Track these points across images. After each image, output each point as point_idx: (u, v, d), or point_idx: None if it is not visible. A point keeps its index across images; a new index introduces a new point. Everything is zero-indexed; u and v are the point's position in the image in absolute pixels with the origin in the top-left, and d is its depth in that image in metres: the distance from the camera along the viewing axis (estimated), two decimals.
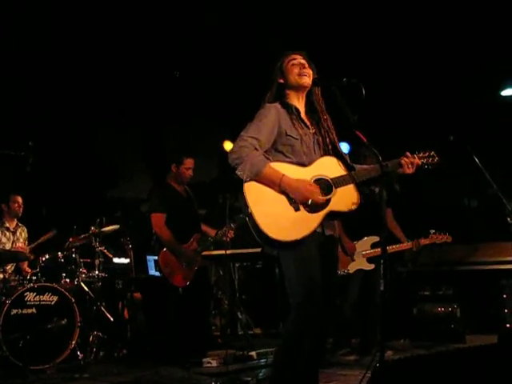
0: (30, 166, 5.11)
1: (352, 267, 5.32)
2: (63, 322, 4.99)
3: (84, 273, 5.59)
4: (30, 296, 4.93)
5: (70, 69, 6.76)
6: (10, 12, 5.90)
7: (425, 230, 5.51)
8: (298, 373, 2.92)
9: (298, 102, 3.14)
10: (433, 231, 5.45)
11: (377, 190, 5.04)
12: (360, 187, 3.04)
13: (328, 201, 2.92)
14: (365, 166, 3.11)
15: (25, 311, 4.88)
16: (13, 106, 6.71)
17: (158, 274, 5.25)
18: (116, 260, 6.33)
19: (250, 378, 4.33)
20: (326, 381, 4.23)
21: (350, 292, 5.40)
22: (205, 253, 5.34)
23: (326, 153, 3.09)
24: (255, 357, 5.15)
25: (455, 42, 6.68)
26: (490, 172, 4.37)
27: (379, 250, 4.93)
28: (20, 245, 5.79)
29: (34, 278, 5.21)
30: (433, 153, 3.14)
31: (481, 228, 7.34)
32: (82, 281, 5.51)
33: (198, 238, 5.27)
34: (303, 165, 2.99)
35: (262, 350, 5.18)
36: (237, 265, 7.40)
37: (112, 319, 5.58)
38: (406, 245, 5.41)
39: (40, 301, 4.97)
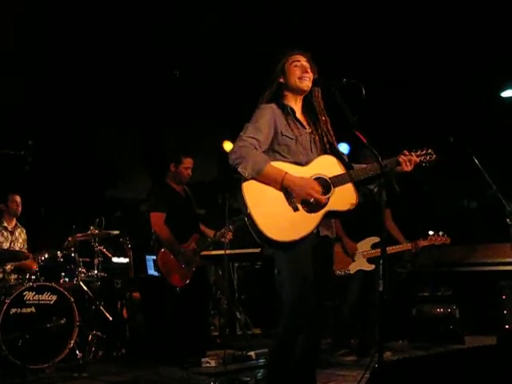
0: (29, 166, 5.09)
1: (353, 267, 5.32)
2: (62, 322, 4.99)
3: (83, 272, 5.58)
4: (29, 295, 4.92)
5: (69, 68, 6.76)
6: (10, 12, 5.90)
7: (424, 231, 5.52)
8: (293, 372, 2.94)
9: (295, 103, 3.15)
10: (431, 233, 5.45)
11: (375, 189, 5.03)
12: (359, 187, 3.05)
13: (327, 200, 2.93)
14: (363, 166, 3.12)
15: (24, 310, 4.87)
16: (12, 105, 6.71)
17: (156, 273, 5.25)
18: (115, 259, 6.33)
19: (248, 378, 4.34)
20: (324, 381, 4.23)
21: (349, 292, 5.40)
22: (204, 253, 5.34)
23: (323, 152, 3.10)
24: (254, 357, 5.15)
25: (455, 42, 6.68)
26: (490, 173, 4.38)
27: (379, 250, 4.94)
28: (19, 245, 5.80)
29: (33, 277, 5.20)
30: (430, 150, 3.15)
31: (480, 229, 7.35)
32: (81, 280, 5.50)
33: (197, 239, 5.27)
34: (300, 164, 2.99)
35: (260, 350, 5.17)
36: (236, 265, 7.41)
37: (111, 319, 5.57)
38: (405, 246, 5.41)
39: (39, 300, 4.96)
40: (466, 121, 7.22)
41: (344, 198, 2.98)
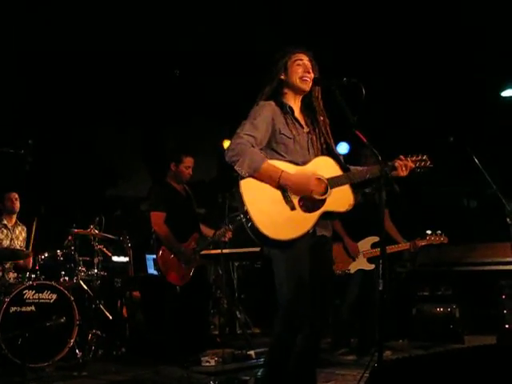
0: (29, 165, 5.09)
1: (353, 267, 5.33)
2: (62, 320, 4.99)
3: (83, 271, 5.58)
4: (28, 294, 4.93)
5: (70, 68, 6.76)
6: (10, 12, 5.90)
7: (424, 231, 5.51)
8: (293, 372, 2.93)
9: (294, 102, 3.13)
10: (429, 232, 5.45)
11: (368, 190, 5.04)
12: (354, 189, 3.04)
13: (323, 200, 2.93)
14: (360, 168, 3.12)
15: (24, 309, 4.88)
16: (12, 104, 6.71)
17: (156, 272, 5.25)
18: (115, 258, 6.33)
19: (248, 378, 4.33)
20: (324, 380, 4.24)
21: (349, 292, 5.41)
22: (203, 252, 5.35)
23: (320, 152, 3.09)
24: (254, 356, 5.16)
25: (455, 42, 6.68)
26: (490, 172, 4.38)
27: (379, 249, 4.94)
28: (19, 243, 5.80)
29: (33, 275, 5.21)
30: (425, 157, 3.16)
31: (480, 228, 7.34)
32: (81, 279, 5.50)
33: (197, 238, 5.27)
34: (297, 164, 2.99)
35: (260, 350, 5.18)
36: (236, 264, 7.41)
37: (111, 317, 5.58)
38: (403, 246, 5.41)
39: (39, 299, 4.97)
40: (465, 121, 7.21)
41: (341, 199, 2.98)
